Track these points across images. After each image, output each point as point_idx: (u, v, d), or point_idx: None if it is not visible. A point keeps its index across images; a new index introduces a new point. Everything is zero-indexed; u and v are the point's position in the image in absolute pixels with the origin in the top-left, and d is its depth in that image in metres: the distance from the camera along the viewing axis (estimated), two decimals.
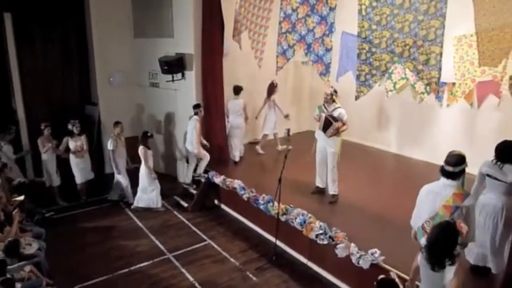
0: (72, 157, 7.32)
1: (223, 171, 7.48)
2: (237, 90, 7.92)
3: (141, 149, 7.10)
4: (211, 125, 7.80)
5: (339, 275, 5.16)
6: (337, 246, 4.96)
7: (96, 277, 5.28)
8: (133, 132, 9.07)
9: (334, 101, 6.15)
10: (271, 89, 8.31)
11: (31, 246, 5.07)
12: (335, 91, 6.15)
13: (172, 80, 7.96)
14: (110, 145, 7.23)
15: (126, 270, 5.49)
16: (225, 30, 7.61)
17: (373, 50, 5.47)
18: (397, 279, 3.49)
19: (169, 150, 8.83)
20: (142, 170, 7.19)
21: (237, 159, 8.15)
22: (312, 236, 5.29)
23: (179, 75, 7.96)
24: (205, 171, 7.63)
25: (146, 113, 9.17)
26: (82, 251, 5.95)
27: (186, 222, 6.95)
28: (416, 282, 3.62)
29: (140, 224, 6.83)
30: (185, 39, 7.81)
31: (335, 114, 6.01)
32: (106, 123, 8.73)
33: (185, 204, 7.48)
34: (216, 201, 7.63)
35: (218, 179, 7.26)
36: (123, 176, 7.42)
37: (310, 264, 5.58)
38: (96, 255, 5.87)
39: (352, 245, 4.87)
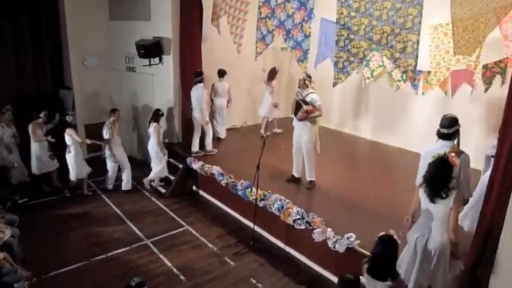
0: (74, 150, 6.96)
1: (201, 157, 7.45)
2: (222, 73, 8.15)
3: (154, 126, 7.14)
4: (189, 110, 7.70)
5: (316, 258, 5.26)
6: (314, 231, 5.04)
7: (72, 264, 5.21)
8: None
9: (307, 86, 6.17)
10: (273, 74, 8.51)
11: (4, 233, 4.96)
12: (309, 76, 6.19)
13: (150, 65, 7.80)
14: (105, 134, 7.04)
15: (103, 256, 5.43)
16: (203, 14, 7.48)
17: (352, 37, 5.49)
18: (395, 236, 3.65)
19: (146, 136, 8.69)
20: (153, 147, 7.21)
21: (222, 136, 8.49)
22: (290, 221, 5.36)
23: (156, 59, 7.81)
24: (183, 158, 7.57)
25: (123, 97, 8.98)
26: (57, 238, 5.84)
27: (164, 208, 6.91)
28: None
29: (117, 211, 6.75)
30: (162, 22, 7.65)
31: (307, 99, 6.03)
32: (80, 107, 8.52)
33: (163, 190, 7.43)
34: (194, 187, 7.61)
35: (196, 165, 7.23)
36: (115, 165, 7.30)
37: (288, 248, 5.66)
38: (71, 241, 5.78)
39: (329, 229, 4.95)
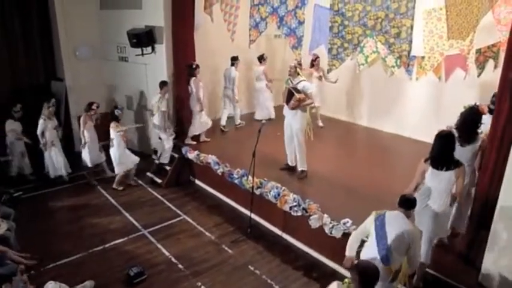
0: (116, 144, 6.97)
1: (196, 147, 7.44)
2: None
3: (194, 80, 7.32)
4: (182, 99, 7.65)
5: (313, 245, 5.31)
6: (311, 217, 5.08)
7: (69, 255, 5.22)
8: (103, 109, 8.81)
9: (298, 74, 6.08)
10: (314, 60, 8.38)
11: (0, 227, 4.94)
12: (299, 64, 6.13)
13: (142, 54, 7.72)
14: (163, 106, 7.13)
15: (101, 247, 5.45)
16: (196, 1, 7.39)
17: (346, 23, 5.49)
18: (454, 130, 4.10)
19: (140, 127, 8.62)
20: (192, 102, 7.45)
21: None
22: (286, 208, 5.39)
23: (149, 48, 7.73)
24: (179, 147, 7.56)
25: (115, 88, 8.90)
26: (54, 230, 5.84)
27: (161, 198, 6.92)
28: None
29: (113, 201, 6.75)
30: (154, 10, 7.53)
31: (299, 87, 5.94)
32: (73, 99, 8.45)
33: (159, 181, 7.43)
34: (190, 177, 7.61)
35: (192, 155, 7.22)
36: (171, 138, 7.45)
37: (285, 235, 5.70)
38: (68, 233, 5.78)
39: (325, 215, 4.99)
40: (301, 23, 6.08)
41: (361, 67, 7.85)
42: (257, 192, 5.79)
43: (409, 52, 5.19)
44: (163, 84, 7.23)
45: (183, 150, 7.41)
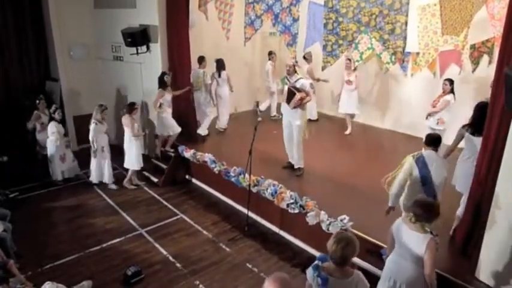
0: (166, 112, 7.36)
1: (192, 145, 7.43)
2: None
3: (225, 74, 7.87)
4: (178, 98, 7.65)
5: (310, 242, 5.31)
6: (308, 214, 5.09)
7: (66, 256, 5.20)
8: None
9: (296, 72, 6.08)
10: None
11: None
12: (296, 62, 6.12)
13: (137, 53, 7.68)
14: (208, 79, 7.48)
15: (98, 247, 5.43)
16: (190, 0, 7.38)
17: (340, 19, 5.50)
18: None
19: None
20: (227, 92, 8.04)
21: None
22: (283, 205, 5.39)
23: (144, 47, 7.69)
24: (175, 146, 7.55)
25: (111, 87, 8.87)
26: (50, 231, 5.82)
27: (157, 197, 6.91)
28: None
29: (110, 201, 6.72)
30: (149, 9, 7.51)
31: (297, 85, 5.93)
32: (68, 99, 8.41)
33: (155, 180, 7.42)
34: (186, 176, 7.60)
35: (188, 153, 7.21)
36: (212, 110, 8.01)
37: (282, 233, 5.71)
38: (65, 234, 5.76)
39: (322, 212, 5.00)
40: (295, 20, 6.08)
41: (356, 64, 7.88)
42: (254, 190, 5.79)
43: (403, 48, 5.21)
44: (201, 59, 7.46)
45: (180, 149, 7.40)
